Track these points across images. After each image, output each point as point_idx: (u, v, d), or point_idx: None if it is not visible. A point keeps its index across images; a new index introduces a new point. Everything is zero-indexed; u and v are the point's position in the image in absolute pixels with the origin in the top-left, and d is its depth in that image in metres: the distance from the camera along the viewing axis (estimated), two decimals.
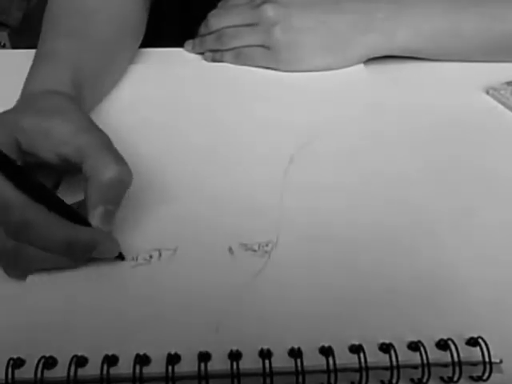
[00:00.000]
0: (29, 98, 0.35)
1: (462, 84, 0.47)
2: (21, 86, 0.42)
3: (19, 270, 0.29)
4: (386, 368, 0.25)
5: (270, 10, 0.47)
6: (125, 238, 0.31)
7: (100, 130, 0.31)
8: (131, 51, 0.49)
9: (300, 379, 0.24)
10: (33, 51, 0.41)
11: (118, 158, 0.30)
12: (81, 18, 0.43)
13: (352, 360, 0.25)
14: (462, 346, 0.25)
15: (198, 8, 0.52)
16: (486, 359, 0.24)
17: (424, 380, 0.25)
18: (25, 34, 0.52)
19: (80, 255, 0.29)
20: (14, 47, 0.41)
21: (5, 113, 0.33)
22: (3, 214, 0.27)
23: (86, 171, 0.30)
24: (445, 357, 0.25)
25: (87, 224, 0.29)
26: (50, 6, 0.45)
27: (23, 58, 0.45)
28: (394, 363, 0.25)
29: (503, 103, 0.44)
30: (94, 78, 0.40)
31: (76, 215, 0.29)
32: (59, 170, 0.33)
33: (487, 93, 0.46)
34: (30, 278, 0.29)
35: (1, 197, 0.27)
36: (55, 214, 0.28)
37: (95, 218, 0.29)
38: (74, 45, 0.40)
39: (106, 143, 0.31)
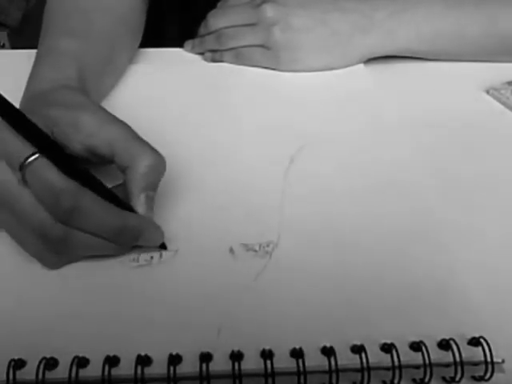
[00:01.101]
0: (42, 94, 0.34)
1: (462, 84, 0.47)
2: (20, 86, 0.42)
3: (66, 256, 0.29)
4: (387, 368, 0.25)
5: (269, 10, 0.47)
6: None
7: (123, 122, 0.31)
8: (131, 50, 0.49)
9: (302, 379, 0.24)
10: (32, 51, 0.41)
11: (150, 147, 0.30)
12: (81, 16, 0.43)
13: (354, 360, 0.25)
14: (463, 345, 0.25)
15: (198, 8, 0.52)
16: (488, 359, 0.25)
17: (426, 380, 0.25)
18: (24, 34, 0.52)
19: (128, 241, 0.29)
20: (13, 47, 0.41)
21: (33, 106, 0.32)
22: (54, 201, 0.27)
23: (121, 162, 0.30)
24: (447, 357, 0.25)
25: (132, 211, 0.30)
26: (50, 6, 0.45)
27: (22, 58, 0.45)
28: (396, 363, 0.25)
29: (503, 103, 0.44)
30: (96, 75, 0.40)
31: (121, 202, 0.30)
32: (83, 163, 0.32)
33: (487, 92, 0.46)
34: (32, 279, 0.29)
35: (51, 183, 0.27)
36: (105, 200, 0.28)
37: (140, 205, 0.30)
38: (76, 42, 0.40)
39: (133, 133, 0.31)
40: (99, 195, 0.28)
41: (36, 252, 0.29)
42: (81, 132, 0.30)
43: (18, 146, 0.28)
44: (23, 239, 0.29)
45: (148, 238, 0.30)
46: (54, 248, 0.28)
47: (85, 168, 0.29)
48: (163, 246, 0.31)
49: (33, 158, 0.27)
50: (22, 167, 0.27)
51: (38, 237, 0.28)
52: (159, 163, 0.30)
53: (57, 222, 0.27)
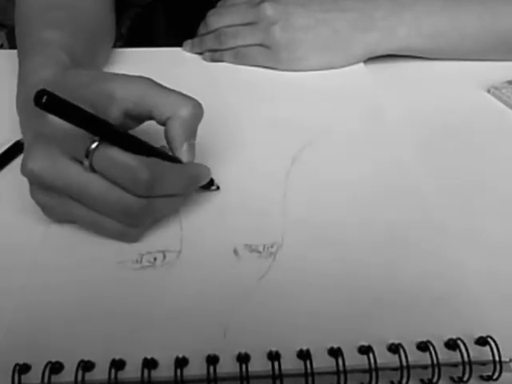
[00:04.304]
0: (49, 83, 0.33)
1: (462, 83, 0.47)
2: None
3: (145, 226, 0.31)
4: (395, 368, 0.25)
5: (269, 9, 0.46)
6: None
7: (143, 76, 0.31)
8: (107, 49, 0.49)
9: (309, 381, 0.24)
10: None
11: (183, 94, 0.31)
12: (61, 11, 0.43)
13: (361, 361, 0.25)
14: (471, 345, 0.25)
15: (197, 8, 0.51)
16: (496, 358, 0.24)
17: (434, 380, 0.24)
18: None
19: (194, 188, 0.32)
20: (11, 47, 0.41)
21: (64, 90, 0.30)
22: (132, 177, 0.28)
23: (161, 115, 0.30)
24: (454, 356, 0.25)
25: (181, 162, 0.31)
26: (21, 4, 0.45)
27: None
28: (404, 363, 0.24)
29: (504, 102, 0.44)
30: (84, 65, 0.40)
31: (172, 157, 0.31)
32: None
33: (488, 91, 0.46)
34: (36, 283, 0.29)
35: (124, 162, 0.28)
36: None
37: (185, 154, 0.31)
38: (62, 34, 0.40)
39: (158, 84, 0.31)
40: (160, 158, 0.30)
41: (115, 232, 0.30)
42: (113, 100, 0.30)
43: (77, 136, 0.28)
44: (99, 224, 0.30)
45: (204, 179, 0.32)
46: (135, 222, 0.30)
47: (137, 138, 0.30)
48: (212, 184, 0.34)
49: (96, 143, 0.28)
50: (88, 154, 0.28)
51: (120, 215, 0.29)
52: (198, 109, 0.31)
53: (137, 196, 0.29)
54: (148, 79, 0.31)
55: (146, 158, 0.29)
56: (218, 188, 0.35)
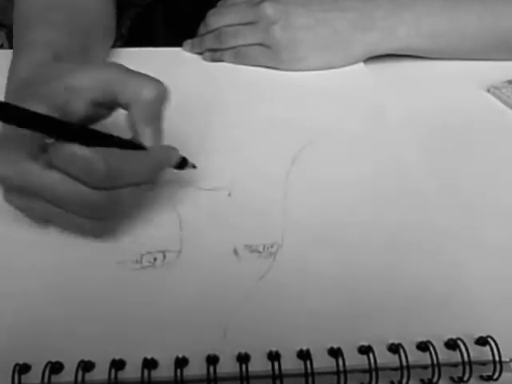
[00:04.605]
0: (24, 81, 0.34)
1: (462, 82, 0.47)
2: None
3: (111, 219, 0.30)
4: (395, 368, 0.25)
5: (269, 8, 0.46)
6: (129, 241, 0.31)
7: (112, 62, 0.32)
8: (105, 51, 0.49)
9: (309, 381, 0.24)
10: None
11: (148, 77, 0.30)
12: (60, 11, 0.43)
13: (361, 361, 0.25)
14: (471, 345, 0.25)
15: (197, 8, 0.51)
16: (496, 358, 0.24)
17: (434, 380, 0.24)
18: None
19: (159, 174, 0.31)
20: (11, 47, 0.41)
21: (24, 92, 0.31)
22: (88, 170, 0.27)
23: (124, 99, 0.30)
24: (454, 356, 0.25)
25: (144, 148, 0.30)
26: (19, 4, 0.45)
27: None
28: (404, 363, 0.24)
29: (504, 102, 0.44)
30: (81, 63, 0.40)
31: (134, 144, 0.30)
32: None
33: (488, 91, 0.46)
34: (35, 283, 0.29)
35: (80, 155, 0.27)
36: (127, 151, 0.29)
37: (147, 138, 0.30)
38: (52, 33, 0.40)
39: (126, 69, 0.31)
40: (118, 147, 0.29)
41: (83, 227, 0.30)
42: (76, 91, 0.30)
43: (34, 135, 0.28)
44: (69, 221, 0.30)
45: (169, 162, 0.31)
46: (98, 215, 0.29)
47: (93, 129, 0.29)
48: (185, 162, 0.33)
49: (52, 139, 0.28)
50: (46, 150, 0.28)
51: (81, 209, 0.29)
52: (162, 91, 0.30)
53: (98, 190, 0.28)
54: (117, 65, 0.31)
55: (102, 149, 0.28)
56: (194, 167, 0.34)
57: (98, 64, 0.31)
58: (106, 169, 0.27)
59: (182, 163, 0.33)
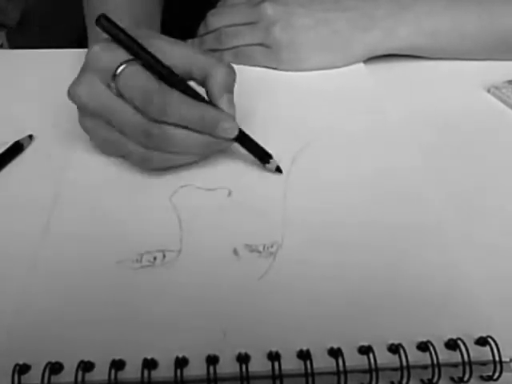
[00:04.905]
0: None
1: (463, 82, 0.47)
2: (19, 86, 0.42)
3: (165, 153, 0.34)
4: (395, 369, 0.25)
5: (269, 9, 0.46)
6: (128, 240, 0.31)
7: (181, 42, 0.36)
8: (160, 12, 0.53)
9: (309, 381, 0.24)
10: (31, 51, 0.41)
11: (219, 58, 0.36)
12: None
13: (361, 361, 0.25)
14: (471, 345, 0.25)
15: (198, 8, 0.51)
16: (496, 358, 0.24)
17: (434, 380, 0.24)
18: (23, 34, 0.52)
19: (210, 129, 0.33)
20: (11, 47, 0.41)
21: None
22: (146, 100, 0.32)
23: (200, 74, 0.34)
24: (454, 357, 0.25)
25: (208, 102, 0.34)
26: None
27: (21, 58, 0.45)
28: (404, 364, 0.24)
29: (504, 102, 0.44)
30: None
31: (206, 100, 0.34)
32: None
33: (488, 91, 0.46)
34: (35, 283, 0.29)
35: (143, 85, 0.32)
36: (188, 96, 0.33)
37: (224, 103, 0.34)
38: (130, 2, 0.46)
39: (202, 51, 0.36)
40: (188, 94, 0.33)
41: (135, 154, 0.34)
42: (160, 55, 0.33)
43: (109, 60, 0.32)
44: (126, 147, 0.34)
45: (225, 128, 0.33)
46: (150, 143, 0.33)
47: (171, 71, 0.33)
48: (269, 156, 0.36)
49: (123, 66, 0.32)
50: (115, 77, 0.32)
51: (136, 135, 0.33)
52: (232, 70, 0.35)
53: (150, 121, 0.32)
54: (188, 45, 0.36)
55: (166, 87, 0.32)
56: (278, 171, 0.36)
57: (177, 40, 0.35)
58: (162, 102, 0.31)
59: (265, 158, 0.36)
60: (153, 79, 0.32)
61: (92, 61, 0.33)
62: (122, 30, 0.32)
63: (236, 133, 0.34)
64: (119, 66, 0.32)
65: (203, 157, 0.36)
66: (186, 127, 0.33)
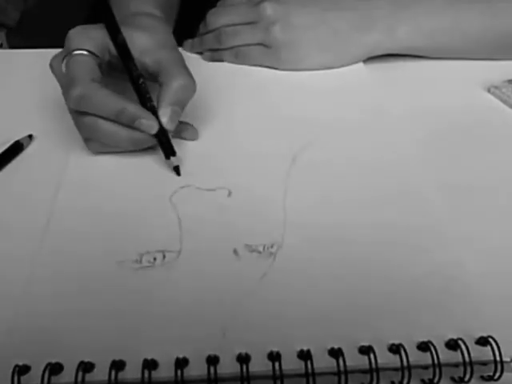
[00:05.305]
0: (124, 19, 0.40)
1: (462, 82, 0.47)
2: (19, 86, 0.41)
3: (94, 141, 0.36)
4: (396, 369, 0.25)
5: (269, 8, 0.46)
6: (128, 240, 0.31)
7: (177, 49, 0.39)
8: (175, 15, 0.55)
9: (310, 381, 0.24)
10: (31, 51, 0.41)
11: (187, 71, 0.37)
12: None
13: (362, 361, 0.25)
14: (472, 345, 0.25)
15: (198, 7, 0.51)
16: (497, 358, 0.24)
17: (435, 380, 0.24)
18: (22, 34, 0.52)
19: (128, 121, 0.34)
20: (11, 47, 0.41)
21: (94, 27, 0.37)
22: (66, 89, 0.34)
23: (160, 79, 0.36)
24: (455, 357, 0.25)
25: (154, 114, 0.35)
26: None
27: (21, 58, 0.45)
28: (405, 364, 0.24)
29: (504, 101, 0.44)
30: (169, 8, 0.50)
31: (149, 99, 0.36)
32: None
33: (488, 91, 0.46)
34: (35, 284, 0.29)
35: (72, 74, 0.34)
36: (108, 90, 0.34)
37: (164, 115, 0.35)
38: (153, 5, 0.46)
39: (180, 60, 0.37)
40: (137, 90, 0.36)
41: (117, 134, 0.35)
42: (137, 49, 0.36)
43: (77, 43, 0.35)
44: (108, 129, 0.35)
45: (143, 123, 0.34)
46: (85, 133, 0.36)
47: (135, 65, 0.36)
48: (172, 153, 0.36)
49: (78, 52, 0.34)
50: (65, 56, 0.35)
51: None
52: (189, 85, 0.36)
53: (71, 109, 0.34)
54: (175, 52, 0.38)
55: (92, 80, 0.34)
56: (176, 172, 0.36)
57: (168, 43, 0.38)
58: (80, 93, 0.33)
59: (170, 151, 0.36)
60: (92, 73, 0.34)
61: (67, 40, 0.36)
62: (112, 17, 0.36)
63: (155, 130, 0.35)
64: (74, 50, 0.34)
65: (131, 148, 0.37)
66: (112, 121, 0.34)
